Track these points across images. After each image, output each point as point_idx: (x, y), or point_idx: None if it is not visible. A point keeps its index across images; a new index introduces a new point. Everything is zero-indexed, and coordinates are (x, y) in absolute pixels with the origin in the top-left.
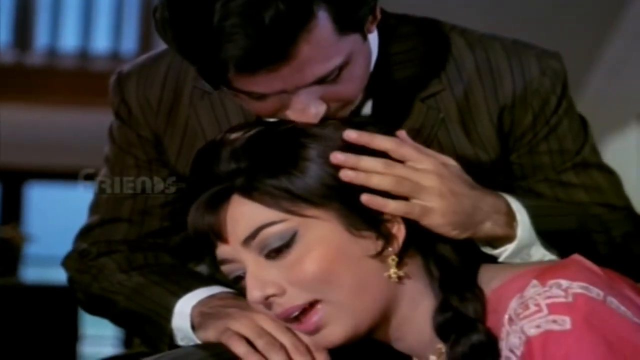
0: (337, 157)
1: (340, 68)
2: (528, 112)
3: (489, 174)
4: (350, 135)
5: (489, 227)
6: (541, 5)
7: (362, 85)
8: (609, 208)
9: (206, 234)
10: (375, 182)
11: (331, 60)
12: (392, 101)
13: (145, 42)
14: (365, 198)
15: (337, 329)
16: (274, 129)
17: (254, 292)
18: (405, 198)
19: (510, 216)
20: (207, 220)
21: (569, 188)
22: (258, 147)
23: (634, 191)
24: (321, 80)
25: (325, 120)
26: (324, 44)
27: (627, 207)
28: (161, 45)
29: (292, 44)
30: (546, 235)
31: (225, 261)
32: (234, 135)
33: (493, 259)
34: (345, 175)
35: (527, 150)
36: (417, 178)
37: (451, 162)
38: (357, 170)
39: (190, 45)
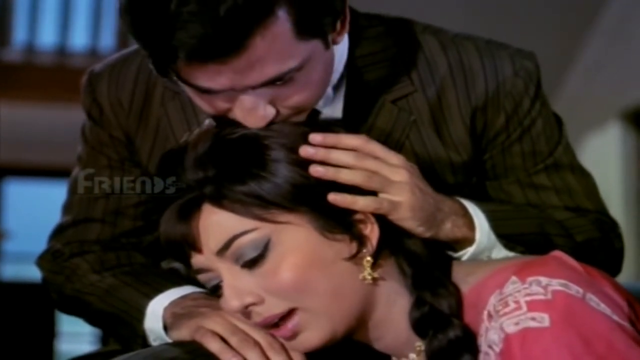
0: (307, 150)
1: (294, 73)
2: (501, 114)
3: (462, 175)
4: (316, 138)
5: (449, 228)
6: (520, 5)
7: (318, 94)
8: (577, 212)
9: (179, 244)
10: (345, 177)
11: (285, 62)
12: (363, 103)
13: (123, 39)
14: (332, 197)
15: (313, 334)
16: (235, 132)
17: (232, 302)
18: (372, 194)
19: (468, 218)
20: (179, 231)
21: (540, 190)
22: (223, 153)
23: (614, 188)
24: (272, 82)
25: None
26: (279, 45)
27: (599, 210)
28: None
29: (246, 38)
30: (507, 239)
31: (201, 270)
32: (196, 140)
33: None
34: (315, 170)
35: (499, 151)
36: (388, 172)
37: (413, 164)
38: (326, 164)
39: (144, 28)
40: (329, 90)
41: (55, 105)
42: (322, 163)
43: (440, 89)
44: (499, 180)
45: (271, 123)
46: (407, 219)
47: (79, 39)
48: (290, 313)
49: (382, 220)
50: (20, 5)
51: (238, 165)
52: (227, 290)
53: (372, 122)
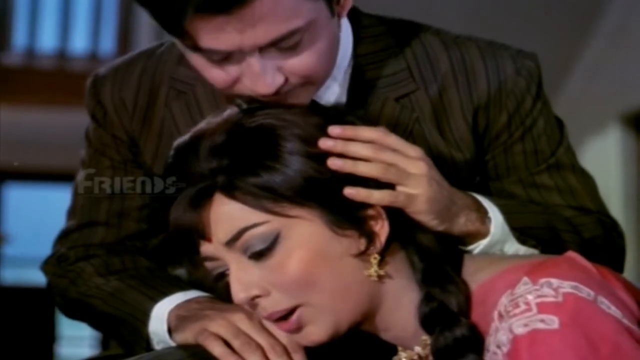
0: (326, 143)
1: (300, 35)
2: (503, 113)
3: (464, 174)
4: (334, 130)
5: (462, 222)
6: (520, 6)
7: (325, 65)
8: (581, 211)
9: (188, 232)
10: (363, 169)
11: (290, 20)
12: (366, 101)
13: (123, 43)
14: (348, 191)
15: (317, 329)
16: (253, 120)
17: (239, 294)
18: (388, 186)
19: (482, 213)
20: (189, 219)
21: (542, 190)
22: (238, 143)
23: (614, 191)
24: (278, 42)
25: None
26: (284, 1)
27: (600, 211)
28: (139, 46)
29: None
30: (518, 232)
31: (208, 258)
32: (214, 128)
33: None
34: (333, 163)
35: (501, 150)
36: (405, 165)
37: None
38: (344, 157)
39: None
40: (335, 85)
41: (56, 109)
42: (339, 155)
43: (442, 87)
44: (501, 180)
45: (278, 109)
46: (422, 211)
47: (79, 42)
48: (295, 308)
49: (394, 214)
50: (21, 9)
51: (252, 157)
52: (234, 283)
53: (376, 119)
